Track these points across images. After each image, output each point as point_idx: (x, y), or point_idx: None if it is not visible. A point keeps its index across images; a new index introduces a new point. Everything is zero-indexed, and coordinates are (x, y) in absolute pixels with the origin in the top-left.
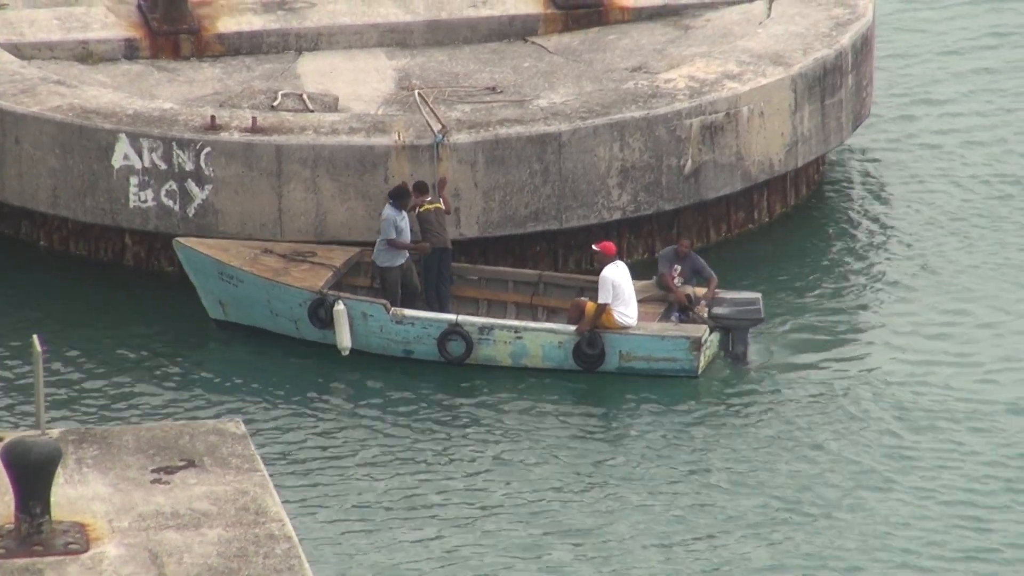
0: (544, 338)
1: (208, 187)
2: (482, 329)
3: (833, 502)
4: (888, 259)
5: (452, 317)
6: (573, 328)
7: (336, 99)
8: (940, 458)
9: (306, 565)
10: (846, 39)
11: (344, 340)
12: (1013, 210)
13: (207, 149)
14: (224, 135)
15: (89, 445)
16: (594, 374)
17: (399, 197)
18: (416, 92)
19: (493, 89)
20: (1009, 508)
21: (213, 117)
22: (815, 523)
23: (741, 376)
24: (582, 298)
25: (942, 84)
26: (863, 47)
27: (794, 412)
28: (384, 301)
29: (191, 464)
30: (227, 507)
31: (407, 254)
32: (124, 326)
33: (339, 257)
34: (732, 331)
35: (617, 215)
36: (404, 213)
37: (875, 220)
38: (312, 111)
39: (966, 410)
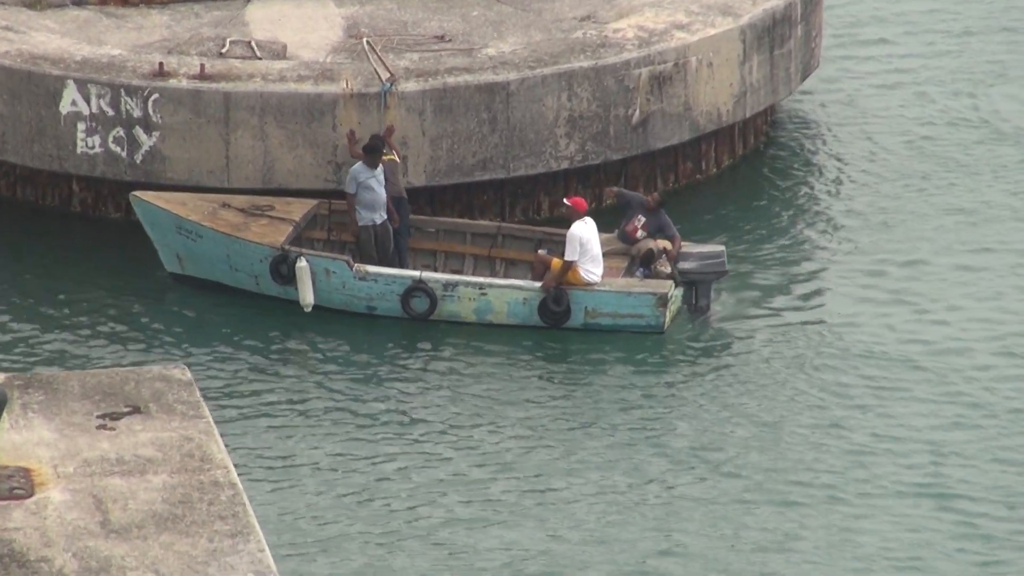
0: (509, 294)
1: (156, 134)
2: (446, 286)
3: (796, 449)
4: (836, 208)
5: (416, 274)
6: (538, 285)
7: (284, 47)
8: (894, 398)
9: (251, 511)
10: None
11: (307, 297)
12: (961, 154)
13: (155, 96)
14: (172, 82)
15: (35, 391)
16: (559, 330)
17: (370, 152)
18: (364, 40)
19: (441, 38)
20: (966, 445)
21: (161, 64)
22: (778, 469)
23: (705, 329)
24: (546, 253)
25: (891, 34)
26: None
27: (757, 363)
28: (347, 257)
29: (136, 410)
30: (172, 453)
31: (383, 213)
32: (71, 273)
33: (298, 211)
34: (696, 285)
35: (565, 165)
36: (375, 170)
37: (823, 170)
38: (260, 59)
39: (917, 352)
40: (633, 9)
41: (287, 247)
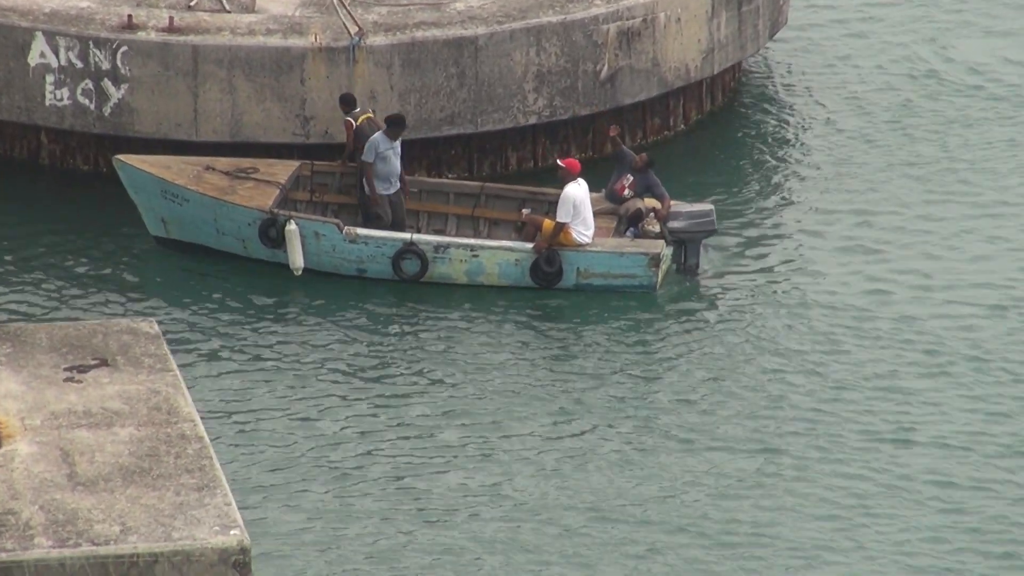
0: (501, 255)
1: (124, 86)
2: (437, 248)
3: (775, 408)
4: (802, 165)
5: (407, 236)
6: (530, 246)
7: (253, 0)
8: (861, 347)
9: (217, 465)
10: None
11: (297, 260)
12: (925, 113)
13: (123, 48)
14: (141, 35)
15: (2, 343)
16: (551, 291)
17: (392, 125)
18: None
19: None
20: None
21: (130, 16)
22: (764, 429)
23: (695, 288)
24: (530, 212)
25: None
26: None
27: (743, 321)
28: (337, 220)
29: (104, 363)
30: (139, 406)
31: (398, 184)
32: (40, 225)
33: (282, 173)
34: (686, 244)
35: (533, 120)
36: (394, 142)
37: (790, 128)
38: (229, 12)
39: (880, 301)
40: None
41: (276, 210)
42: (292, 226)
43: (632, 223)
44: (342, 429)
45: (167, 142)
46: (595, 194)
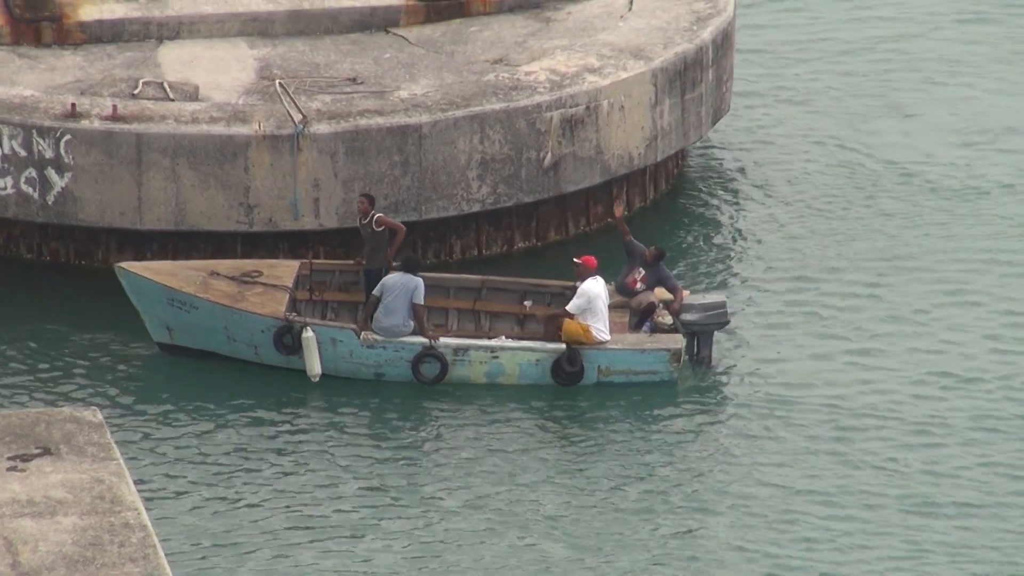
0: (521, 356)
1: (68, 175)
2: (457, 350)
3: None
4: (744, 252)
5: (426, 340)
6: (550, 346)
7: (197, 88)
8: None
9: (161, 554)
10: (707, 34)
11: (315, 367)
12: (865, 199)
13: (67, 137)
14: (84, 123)
15: None
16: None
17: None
18: (277, 82)
19: (354, 80)
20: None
21: (74, 105)
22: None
23: (705, 377)
24: (536, 305)
25: (800, 80)
26: (723, 42)
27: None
28: (354, 326)
29: (47, 452)
30: (83, 495)
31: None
32: None
33: (286, 275)
34: (699, 336)
35: (477, 207)
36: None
37: (733, 215)
38: (173, 100)
39: (840, 380)
40: (545, 52)
41: (292, 317)
42: (309, 333)
43: (644, 317)
44: (285, 518)
45: (111, 231)
46: (607, 287)
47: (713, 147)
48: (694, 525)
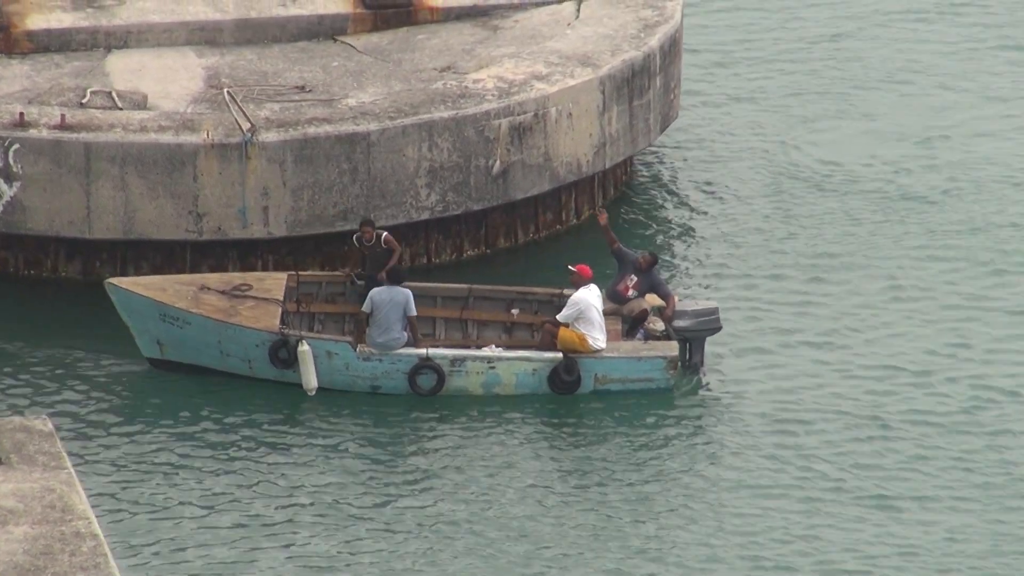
0: (518, 366)
1: (16, 184)
2: (454, 361)
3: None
4: (692, 259)
5: (423, 351)
6: (547, 355)
7: (145, 97)
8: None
9: (112, 562)
10: (654, 41)
11: (311, 381)
12: (810, 200)
13: (15, 146)
14: (33, 132)
15: None
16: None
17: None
18: (225, 91)
19: (302, 88)
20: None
21: (22, 114)
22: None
23: (697, 384)
24: (523, 313)
25: (750, 86)
26: (671, 49)
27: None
28: (349, 339)
29: None
30: (33, 504)
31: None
32: None
33: (275, 287)
34: (690, 342)
35: (425, 215)
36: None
37: (681, 221)
38: (121, 109)
39: (791, 386)
40: (493, 60)
41: (287, 331)
42: (305, 347)
43: (636, 324)
44: (237, 520)
45: (60, 240)
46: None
47: (663, 148)
48: (699, 533)
